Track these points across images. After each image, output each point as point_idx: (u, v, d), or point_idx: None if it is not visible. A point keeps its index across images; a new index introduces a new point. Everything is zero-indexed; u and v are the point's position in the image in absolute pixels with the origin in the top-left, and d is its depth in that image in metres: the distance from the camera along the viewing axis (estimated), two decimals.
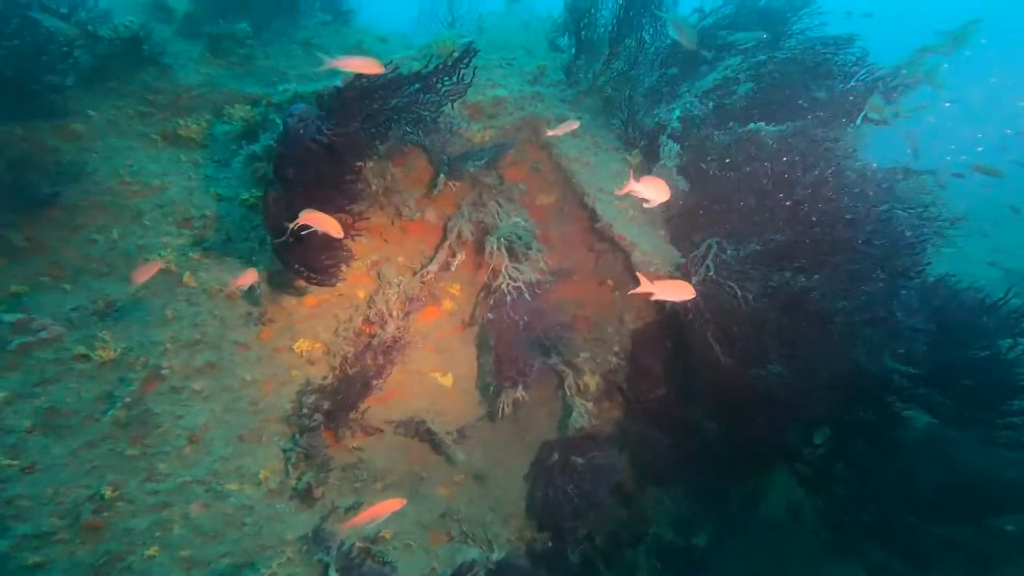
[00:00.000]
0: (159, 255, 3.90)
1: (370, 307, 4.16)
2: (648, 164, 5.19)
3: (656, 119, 5.46)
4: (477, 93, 4.82)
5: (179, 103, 4.84)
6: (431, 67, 3.77)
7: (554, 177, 4.92)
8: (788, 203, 4.43)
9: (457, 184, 4.52)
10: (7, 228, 3.91)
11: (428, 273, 4.27)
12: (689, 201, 4.98)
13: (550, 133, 4.38)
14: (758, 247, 4.39)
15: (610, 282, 5.00)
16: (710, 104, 5.53)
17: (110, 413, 3.25)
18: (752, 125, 4.86)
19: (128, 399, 3.28)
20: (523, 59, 5.60)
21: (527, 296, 4.18)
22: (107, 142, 4.48)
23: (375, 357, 4.05)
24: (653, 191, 3.25)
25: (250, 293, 3.89)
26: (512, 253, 4.38)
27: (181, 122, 4.60)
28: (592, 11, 5.46)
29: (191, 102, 4.86)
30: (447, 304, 4.64)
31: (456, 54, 3.77)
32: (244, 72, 5.22)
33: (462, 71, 3.89)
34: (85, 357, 3.46)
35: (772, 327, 4.32)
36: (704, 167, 5.00)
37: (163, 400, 3.44)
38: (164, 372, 3.53)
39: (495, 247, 4.33)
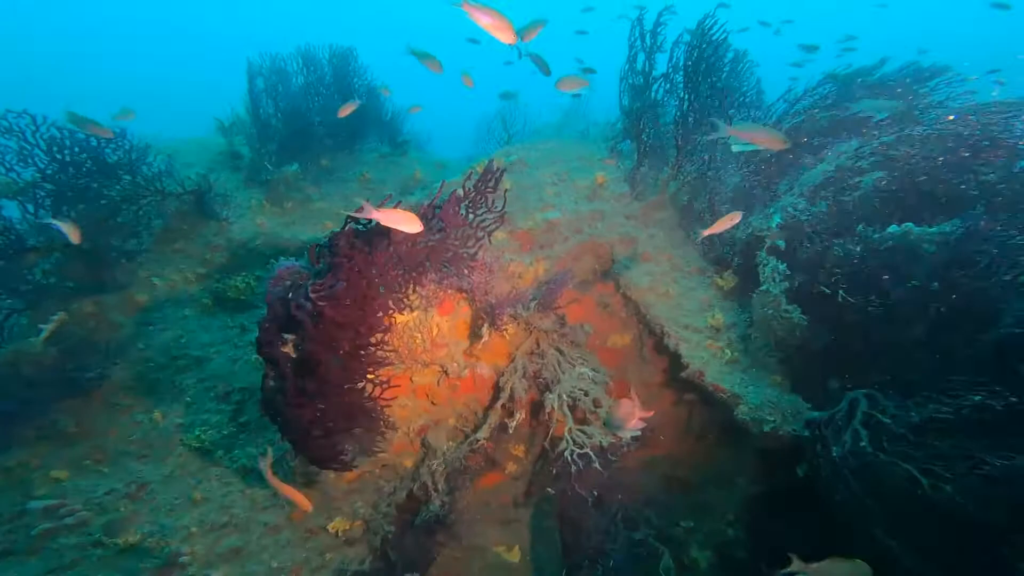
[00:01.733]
0: (194, 435, 3.85)
1: (414, 480, 3.81)
2: (746, 287, 4.51)
3: (750, 229, 4.78)
4: (526, 217, 4.58)
5: (235, 260, 5.02)
6: (440, 197, 3.51)
7: (626, 313, 4.44)
8: (985, 340, 3.44)
9: (510, 330, 4.16)
10: (59, 413, 4.13)
11: (478, 442, 3.87)
12: (810, 335, 4.18)
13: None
14: (946, 410, 3.41)
15: (711, 436, 4.29)
16: (823, 204, 4.70)
17: None
18: (895, 227, 3.95)
19: None
20: (579, 171, 5.34)
21: (597, 465, 3.64)
22: (164, 313, 4.72)
23: (417, 538, 3.64)
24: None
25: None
26: (577, 411, 3.89)
27: (231, 282, 4.73)
28: (653, 110, 5.07)
29: (246, 257, 5.03)
30: (510, 467, 4.24)
31: (473, 178, 3.50)
32: (298, 217, 5.42)
33: (490, 197, 3.61)
34: (107, 543, 3.45)
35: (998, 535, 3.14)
36: (826, 290, 4.14)
37: None
38: (184, 559, 3.42)
39: (555, 406, 3.87)
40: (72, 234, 4.06)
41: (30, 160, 4.89)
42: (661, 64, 5.68)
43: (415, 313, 4.20)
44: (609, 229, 4.71)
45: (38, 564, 3.40)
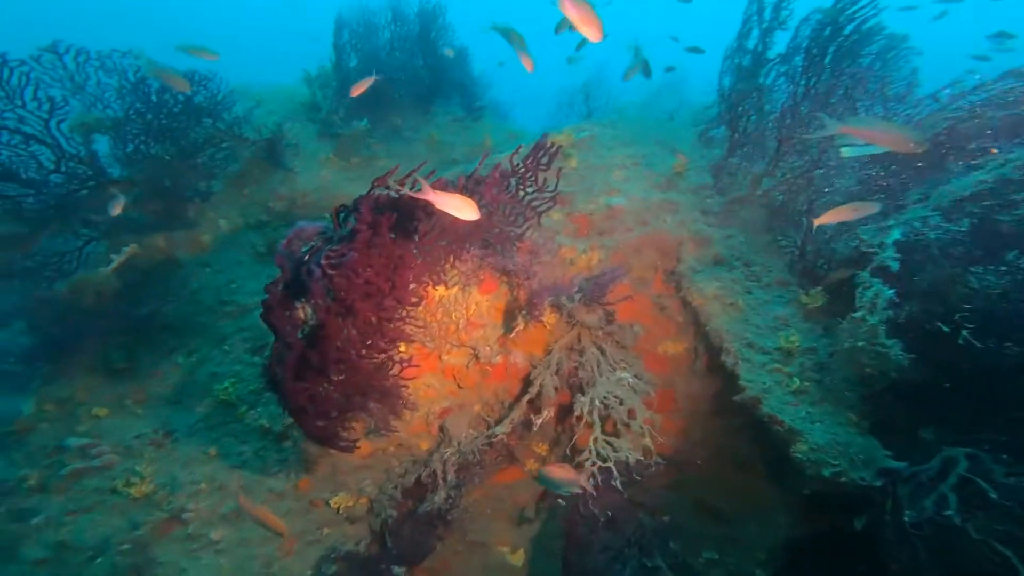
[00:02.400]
0: (223, 386, 3.88)
1: (426, 466, 3.63)
2: (835, 309, 3.88)
3: (855, 243, 4.08)
4: (588, 200, 4.18)
5: (294, 210, 5.01)
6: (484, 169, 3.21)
7: (684, 319, 3.97)
8: None
9: (551, 321, 3.83)
10: (114, 349, 4.29)
11: (496, 436, 3.61)
12: (909, 376, 3.50)
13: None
14: None
15: (757, 468, 3.79)
16: (964, 222, 3.77)
17: (105, 558, 3.17)
18: None
19: (126, 545, 3.18)
20: (657, 157, 4.79)
21: (617, 484, 3.29)
22: (223, 255, 4.77)
23: (416, 529, 3.48)
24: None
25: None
26: (608, 421, 3.53)
27: (282, 232, 4.71)
28: (759, 95, 4.42)
29: (305, 208, 5.00)
30: (531, 465, 3.96)
31: (523, 152, 3.17)
32: (360, 174, 5.33)
33: (542, 174, 3.27)
34: (121, 491, 3.57)
35: None
36: (944, 327, 3.39)
37: (174, 548, 3.39)
38: (187, 516, 3.46)
39: (584, 411, 3.53)
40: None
41: (127, 98, 5.10)
42: (780, 44, 4.99)
43: (454, 289, 3.97)
44: (680, 224, 4.20)
45: (62, 503, 3.59)
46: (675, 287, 4.10)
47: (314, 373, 2.87)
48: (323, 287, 2.76)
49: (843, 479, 3.21)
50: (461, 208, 2.75)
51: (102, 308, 4.50)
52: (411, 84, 5.77)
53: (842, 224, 4.33)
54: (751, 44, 5.23)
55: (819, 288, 4.05)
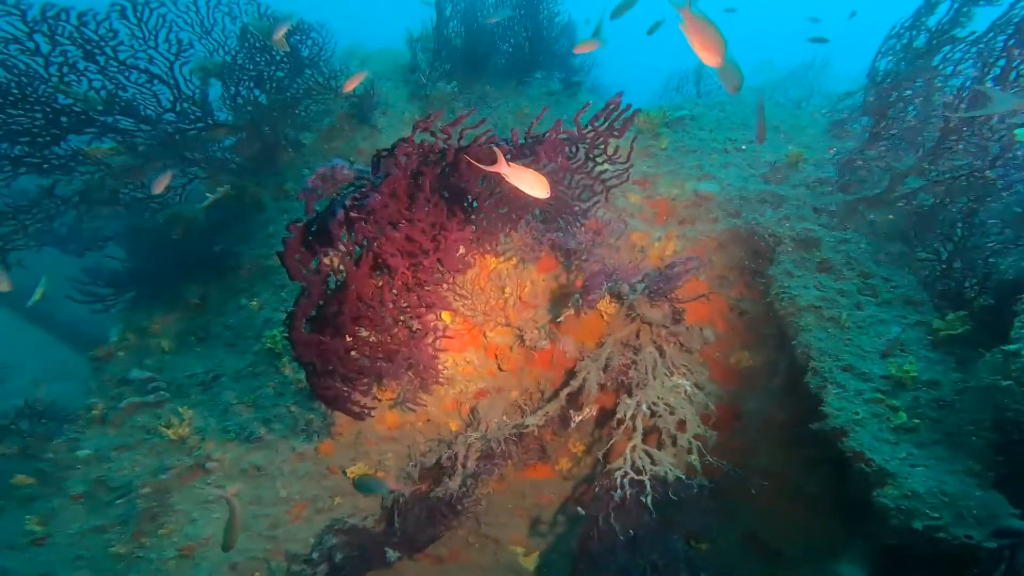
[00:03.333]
0: (271, 334, 3.87)
1: (449, 447, 3.39)
2: (979, 340, 3.15)
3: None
4: (673, 184, 3.68)
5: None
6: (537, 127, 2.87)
7: (767, 328, 3.39)
8: None
9: (609, 311, 3.43)
10: (190, 284, 4.44)
11: (527, 427, 3.28)
12: None
13: None
14: None
15: (826, 505, 3.18)
16: None
17: (128, 500, 3.23)
18: None
19: (147, 489, 3.21)
20: (769, 144, 4.16)
21: (648, 501, 2.86)
22: (300, 204, 4.79)
23: (423, 514, 3.26)
24: None
25: None
26: (652, 431, 3.10)
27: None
28: (928, 80, 3.67)
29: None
30: (563, 464, 3.62)
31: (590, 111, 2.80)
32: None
33: (614, 142, 2.88)
34: (161, 432, 3.64)
35: None
36: None
37: (191, 496, 3.37)
38: (210, 465, 3.45)
39: (627, 414, 3.12)
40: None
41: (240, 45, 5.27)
42: (980, 21, 4.13)
43: (510, 262, 3.68)
44: (782, 220, 3.58)
45: (112, 438, 3.72)
46: (761, 292, 3.52)
47: (330, 327, 2.70)
48: (342, 231, 2.57)
49: (940, 535, 2.55)
50: (533, 185, 2.45)
51: (188, 243, 4.72)
52: (511, 52, 5.50)
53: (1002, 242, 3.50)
54: (932, 21, 4.41)
55: (962, 313, 3.29)
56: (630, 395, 3.25)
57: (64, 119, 4.62)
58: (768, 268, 3.53)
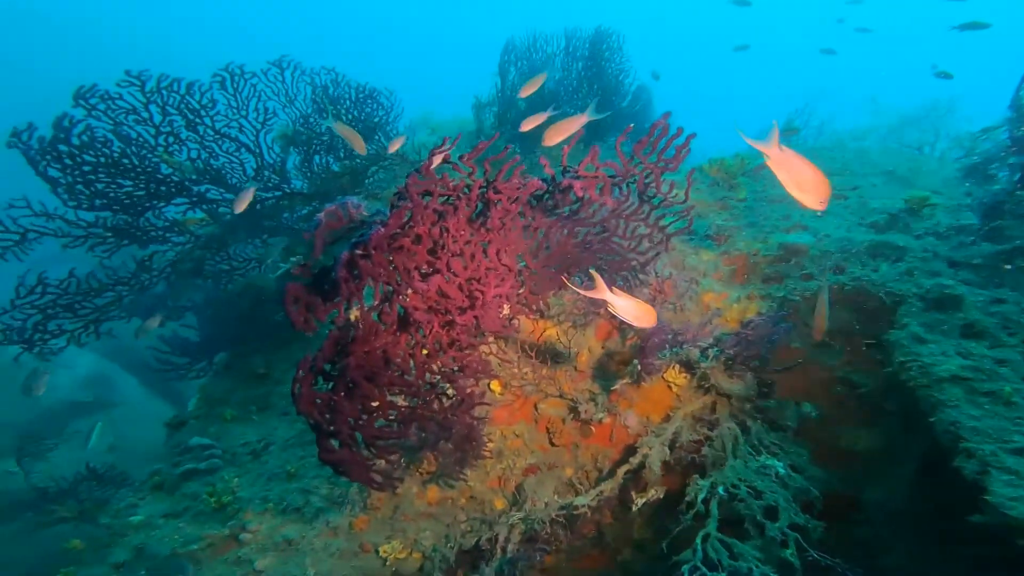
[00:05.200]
0: None
1: (491, 528, 2.97)
2: None
3: None
4: (754, 238, 3.20)
5: None
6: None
7: (889, 403, 2.76)
8: None
9: (678, 382, 2.96)
10: (257, 354, 4.45)
11: (579, 508, 2.80)
12: None
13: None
14: None
15: None
16: None
17: (159, 572, 3.06)
18: None
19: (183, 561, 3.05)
20: (879, 191, 3.60)
21: None
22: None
23: None
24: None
25: None
26: (732, 520, 2.54)
27: None
28: None
29: None
30: (625, 554, 3.05)
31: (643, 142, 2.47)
32: None
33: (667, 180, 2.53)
34: (206, 499, 3.55)
35: None
36: None
37: (220, 570, 3.11)
38: (244, 536, 3.23)
39: (698, 497, 2.58)
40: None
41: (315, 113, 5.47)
42: None
43: (563, 325, 3.31)
44: (904, 275, 2.98)
45: (165, 504, 3.67)
46: (879, 361, 2.88)
47: (342, 385, 2.44)
48: (350, 275, 2.34)
49: None
50: (640, 316, 2.21)
51: (257, 312, 4.77)
52: (579, 111, 5.33)
53: None
54: None
55: None
56: (703, 476, 2.69)
57: (163, 188, 4.91)
58: (887, 332, 2.90)
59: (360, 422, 2.49)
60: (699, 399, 2.95)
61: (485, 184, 2.50)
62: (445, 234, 2.50)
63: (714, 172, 4.00)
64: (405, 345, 2.59)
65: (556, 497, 3.03)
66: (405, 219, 2.37)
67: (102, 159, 4.62)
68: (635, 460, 2.82)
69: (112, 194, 4.79)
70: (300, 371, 2.32)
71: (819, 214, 3.41)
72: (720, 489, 2.60)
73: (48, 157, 4.52)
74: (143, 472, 4.23)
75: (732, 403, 2.89)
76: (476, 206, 2.57)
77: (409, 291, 2.52)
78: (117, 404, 8.68)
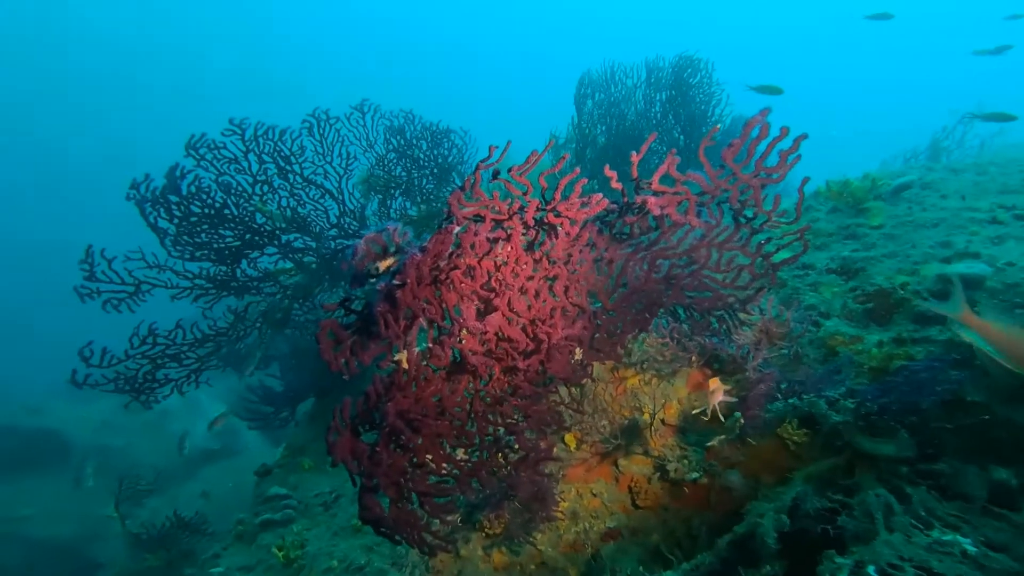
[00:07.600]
0: None
1: None
2: None
3: None
4: (895, 270, 2.63)
5: None
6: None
7: None
8: None
9: (800, 440, 2.44)
10: (336, 403, 4.35)
11: None
12: None
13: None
14: None
15: None
16: None
17: None
18: None
19: None
20: None
21: None
22: None
23: None
24: None
25: None
26: None
27: None
28: None
29: None
30: None
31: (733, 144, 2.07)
32: None
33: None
34: (276, 553, 3.40)
35: None
36: None
37: None
38: None
39: None
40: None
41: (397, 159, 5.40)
42: None
43: (646, 375, 2.87)
44: None
45: (242, 556, 3.60)
46: None
47: (383, 434, 2.15)
48: (388, 309, 2.07)
49: None
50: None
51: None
52: (663, 150, 4.94)
53: None
54: None
55: None
56: (841, 553, 2.10)
57: (256, 238, 4.97)
58: None
59: (409, 476, 2.18)
60: (828, 458, 2.38)
61: (542, 203, 2.19)
62: (503, 267, 2.20)
63: (833, 196, 3.41)
64: (462, 392, 2.28)
65: (641, 568, 2.54)
66: (451, 246, 2.10)
67: (207, 209, 4.74)
68: (741, 529, 2.28)
69: (214, 244, 4.89)
70: (336, 417, 2.06)
71: (996, 238, 2.76)
72: (871, 569, 2.01)
73: (159, 207, 4.66)
74: (231, 520, 4.18)
75: (880, 463, 2.29)
76: (534, 233, 2.26)
77: (463, 332, 2.23)
78: (239, 452, 9.09)
